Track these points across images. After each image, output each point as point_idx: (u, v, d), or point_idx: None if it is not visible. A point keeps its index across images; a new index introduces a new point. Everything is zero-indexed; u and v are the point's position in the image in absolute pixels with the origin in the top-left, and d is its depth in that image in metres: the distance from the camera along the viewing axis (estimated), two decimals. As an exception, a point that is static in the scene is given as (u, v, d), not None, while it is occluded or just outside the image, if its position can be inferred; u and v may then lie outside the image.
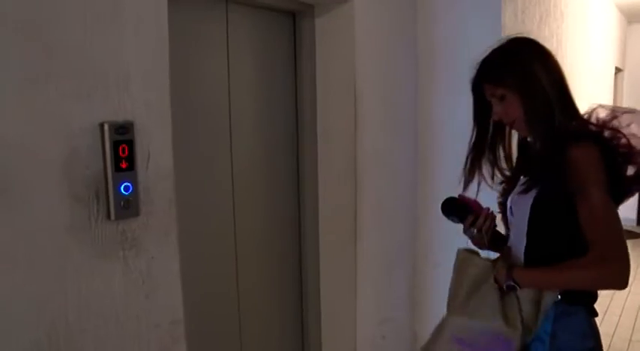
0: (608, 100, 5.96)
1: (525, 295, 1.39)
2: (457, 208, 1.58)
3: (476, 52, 2.58)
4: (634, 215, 7.02)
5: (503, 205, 1.57)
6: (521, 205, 1.44)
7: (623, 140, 1.33)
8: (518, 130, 1.52)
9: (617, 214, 1.31)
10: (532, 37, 1.57)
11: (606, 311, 4.14)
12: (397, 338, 2.76)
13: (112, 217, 1.37)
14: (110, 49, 1.35)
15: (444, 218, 2.80)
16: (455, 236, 1.87)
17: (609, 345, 3.58)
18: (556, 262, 1.35)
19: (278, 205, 2.38)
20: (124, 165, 1.38)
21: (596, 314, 1.44)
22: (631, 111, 1.41)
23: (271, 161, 2.33)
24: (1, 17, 1.15)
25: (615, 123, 1.36)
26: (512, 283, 1.38)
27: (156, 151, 1.47)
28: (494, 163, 1.56)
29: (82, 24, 1.29)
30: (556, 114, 1.37)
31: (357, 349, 2.48)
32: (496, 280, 1.41)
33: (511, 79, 1.42)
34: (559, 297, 1.38)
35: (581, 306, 1.40)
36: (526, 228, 1.42)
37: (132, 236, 1.43)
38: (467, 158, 1.56)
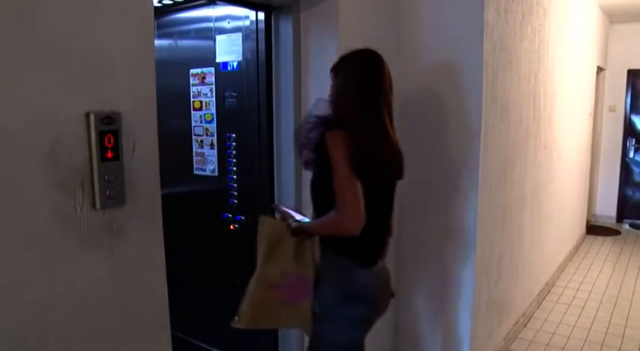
0: (589, 99, 6.03)
1: (314, 240, 1.83)
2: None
3: (457, 48, 2.64)
4: (614, 213, 7.15)
5: None
6: (310, 176, 1.87)
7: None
8: None
9: (354, 182, 1.68)
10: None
11: (584, 305, 4.22)
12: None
13: (98, 206, 1.39)
14: (96, 39, 1.36)
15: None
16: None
17: (586, 338, 3.65)
18: None
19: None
20: (109, 155, 1.40)
21: (366, 265, 1.84)
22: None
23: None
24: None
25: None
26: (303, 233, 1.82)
27: (141, 141, 1.49)
28: None
29: (68, 14, 1.30)
30: (352, 112, 1.78)
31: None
32: (293, 233, 1.82)
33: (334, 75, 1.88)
34: (328, 247, 1.82)
35: (345, 256, 1.81)
36: (310, 193, 1.88)
37: (117, 225, 1.45)
38: None
